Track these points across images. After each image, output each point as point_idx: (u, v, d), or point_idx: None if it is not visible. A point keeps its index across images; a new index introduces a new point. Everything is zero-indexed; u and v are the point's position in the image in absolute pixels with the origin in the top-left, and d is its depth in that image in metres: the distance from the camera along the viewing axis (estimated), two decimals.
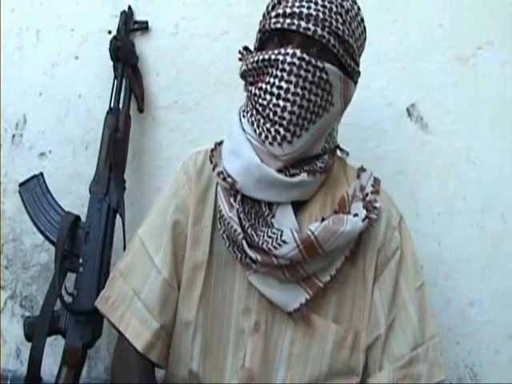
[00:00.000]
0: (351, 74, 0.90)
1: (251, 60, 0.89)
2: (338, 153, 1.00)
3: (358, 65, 0.92)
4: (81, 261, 1.18)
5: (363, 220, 0.86)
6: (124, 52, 1.30)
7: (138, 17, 1.36)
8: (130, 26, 1.34)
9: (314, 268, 0.86)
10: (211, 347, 0.91)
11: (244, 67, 0.91)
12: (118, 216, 1.22)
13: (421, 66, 1.25)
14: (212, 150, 0.95)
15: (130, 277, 0.95)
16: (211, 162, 0.93)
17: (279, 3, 0.89)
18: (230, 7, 1.32)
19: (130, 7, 1.35)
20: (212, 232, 0.93)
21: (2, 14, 1.47)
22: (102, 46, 1.36)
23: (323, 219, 0.87)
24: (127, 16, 1.34)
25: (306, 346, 0.89)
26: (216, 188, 0.93)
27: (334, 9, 0.85)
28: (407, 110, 1.26)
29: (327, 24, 0.84)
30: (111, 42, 1.31)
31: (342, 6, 0.86)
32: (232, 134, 0.92)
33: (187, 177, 0.96)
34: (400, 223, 0.96)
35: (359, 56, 0.93)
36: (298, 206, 0.91)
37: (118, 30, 1.33)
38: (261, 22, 0.92)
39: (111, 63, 1.32)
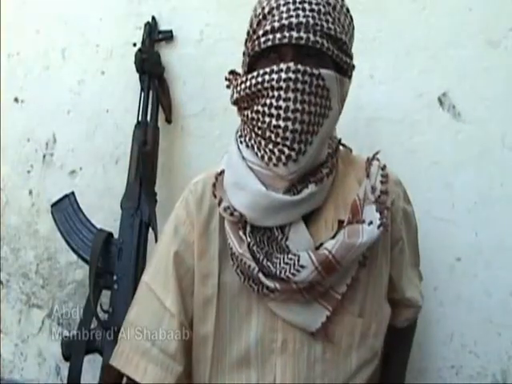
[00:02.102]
0: (346, 71, 0.87)
1: (243, 86, 0.84)
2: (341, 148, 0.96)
3: (351, 58, 0.89)
4: (115, 278, 1.17)
5: (378, 227, 0.83)
6: (149, 64, 1.30)
7: (162, 26, 1.35)
8: (154, 37, 1.33)
9: (331, 282, 0.84)
10: (232, 378, 0.89)
11: (236, 95, 0.86)
12: (150, 230, 1.21)
13: (451, 53, 1.21)
14: (214, 184, 0.92)
15: (140, 324, 0.92)
16: (215, 196, 0.90)
17: (265, 18, 0.84)
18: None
19: (153, 18, 1.34)
20: (220, 263, 0.90)
21: (27, 36, 1.50)
22: (127, 59, 1.35)
23: (339, 222, 0.86)
24: (151, 27, 1.33)
25: (337, 349, 0.87)
26: (220, 216, 0.90)
27: (322, 9, 0.82)
28: (439, 99, 1.22)
29: (318, 28, 0.80)
30: (136, 54, 1.30)
31: (329, 4, 0.83)
32: (232, 164, 0.89)
33: (187, 212, 0.93)
34: (404, 197, 0.95)
35: (351, 48, 0.90)
36: (312, 214, 0.88)
37: (143, 41, 1.32)
38: (246, 42, 0.88)
39: (137, 76, 1.31)
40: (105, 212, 1.37)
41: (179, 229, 0.92)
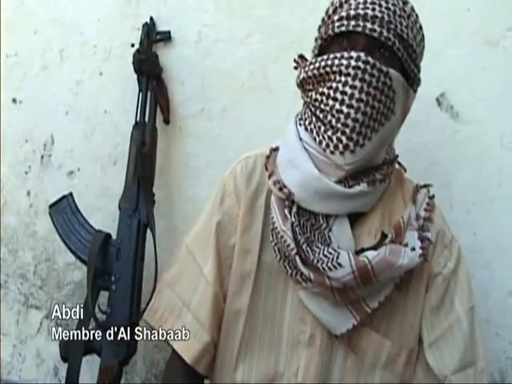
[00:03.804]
0: (412, 82, 0.87)
1: (311, 67, 0.85)
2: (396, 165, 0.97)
3: (419, 71, 0.89)
4: (113, 278, 1.16)
5: (420, 256, 0.83)
6: (147, 64, 1.29)
7: (160, 27, 1.34)
8: (152, 38, 1.33)
9: (364, 293, 0.84)
10: (261, 358, 0.88)
11: (303, 75, 0.87)
12: (148, 230, 1.20)
13: (449, 53, 1.21)
14: (267, 157, 0.92)
15: (177, 286, 0.93)
16: (266, 169, 0.90)
17: (341, 6, 0.85)
18: (252, 10, 1.30)
19: (151, 18, 1.34)
20: (261, 241, 0.89)
21: (25, 37, 1.49)
22: (125, 59, 1.35)
23: (382, 234, 0.85)
24: (149, 28, 1.33)
25: (359, 360, 0.86)
26: (266, 195, 0.90)
27: (398, 12, 0.83)
28: (437, 99, 1.22)
29: (392, 26, 0.81)
30: (134, 55, 1.29)
31: (404, 11, 0.84)
32: (287, 142, 0.89)
33: (234, 184, 0.92)
34: (452, 242, 0.93)
35: (419, 62, 0.90)
36: (357, 218, 0.88)
37: (141, 42, 1.32)
38: (319, 28, 0.89)
39: (135, 76, 1.30)
40: (103, 213, 1.37)
41: (225, 199, 0.93)
